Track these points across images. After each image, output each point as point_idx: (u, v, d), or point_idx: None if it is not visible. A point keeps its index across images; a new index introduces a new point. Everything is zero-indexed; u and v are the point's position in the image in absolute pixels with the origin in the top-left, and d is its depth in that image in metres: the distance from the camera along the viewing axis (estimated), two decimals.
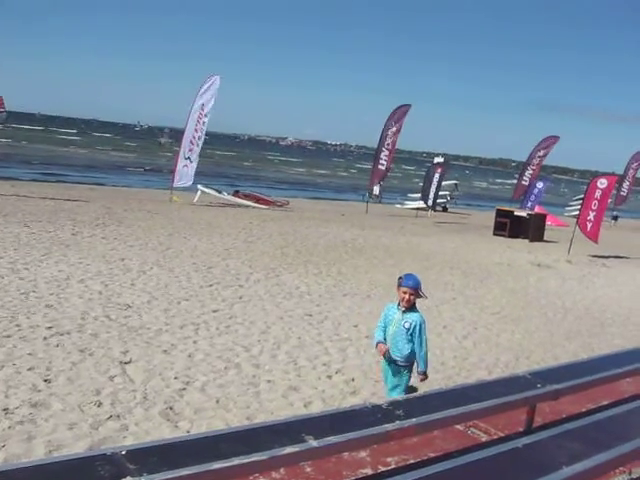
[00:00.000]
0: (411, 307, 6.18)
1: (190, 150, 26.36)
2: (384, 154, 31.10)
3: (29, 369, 6.96)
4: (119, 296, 10.25)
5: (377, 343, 6.26)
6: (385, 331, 6.25)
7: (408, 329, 6.11)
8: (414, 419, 3.02)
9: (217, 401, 6.65)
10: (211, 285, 11.58)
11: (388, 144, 31.07)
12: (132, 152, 74.20)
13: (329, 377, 7.71)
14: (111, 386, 6.74)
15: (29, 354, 7.38)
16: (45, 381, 6.69)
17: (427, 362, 6.25)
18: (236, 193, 29.74)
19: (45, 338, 7.95)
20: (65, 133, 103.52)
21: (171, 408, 6.37)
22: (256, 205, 28.21)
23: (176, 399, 6.58)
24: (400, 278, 6.21)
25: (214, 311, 9.92)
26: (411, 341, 6.13)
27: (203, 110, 26.41)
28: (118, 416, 6.09)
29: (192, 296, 10.70)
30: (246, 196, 29.59)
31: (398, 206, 37.82)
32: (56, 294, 9.99)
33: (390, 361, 6.25)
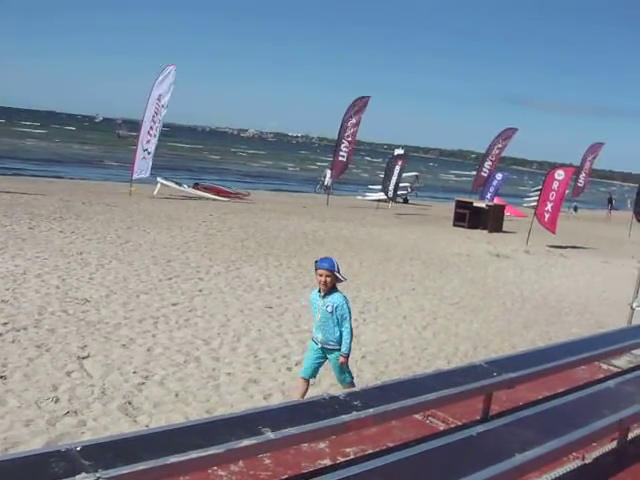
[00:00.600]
0: (331, 290, 6.12)
1: (148, 142, 26.07)
2: (344, 146, 31.10)
3: None
4: (77, 290, 10.12)
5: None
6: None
7: (332, 312, 6.07)
8: (371, 409, 3.03)
9: (176, 395, 6.62)
10: (170, 278, 11.50)
11: (348, 136, 31.08)
12: (92, 144, 73.23)
13: (289, 369, 7.72)
14: (68, 382, 6.67)
15: None
16: (0, 377, 6.59)
17: (350, 343, 6.15)
18: (196, 185, 29.50)
19: (0, 334, 7.82)
20: (27, 126, 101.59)
21: (130, 403, 6.32)
22: (217, 197, 28.02)
23: (135, 394, 6.54)
24: (316, 262, 6.19)
25: (173, 304, 9.85)
26: (339, 323, 6.11)
27: (160, 101, 26.09)
28: (76, 412, 6.04)
29: (151, 289, 10.61)
30: (206, 188, 29.37)
31: (359, 198, 37.88)
32: (12, 289, 9.83)
33: (326, 348, 6.21)
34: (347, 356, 6.17)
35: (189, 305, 9.95)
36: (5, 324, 8.20)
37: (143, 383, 6.81)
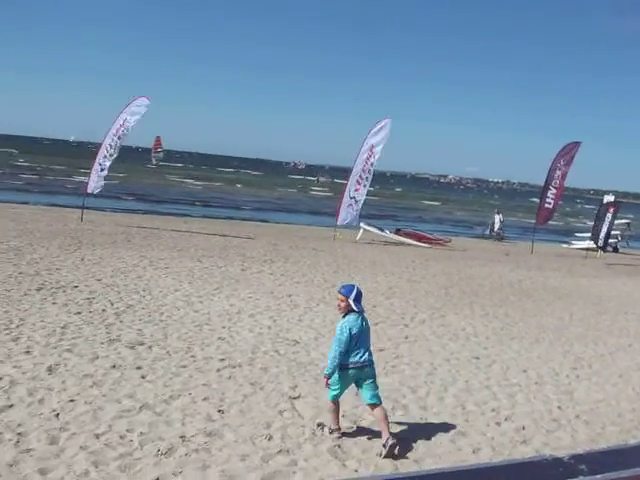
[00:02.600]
0: (346, 314, 6.43)
1: (356, 190, 26.60)
2: (551, 192, 30.03)
3: (204, 399, 7.24)
4: (287, 331, 10.48)
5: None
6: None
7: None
8: (599, 476, 2.82)
9: None
10: (376, 324, 11.56)
11: (556, 182, 29.99)
12: (291, 187, 76.54)
13: (498, 424, 7.43)
14: (281, 420, 6.86)
15: (204, 385, 7.69)
16: (219, 412, 6.93)
17: (331, 363, 6.35)
18: (398, 231, 29.77)
19: (218, 370, 8.25)
20: (224, 172, 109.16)
21: (339, 446, 6.36)
22: (418, 244, 28.07)
23: (344, 437, 6.58)
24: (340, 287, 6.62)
25: (380, 350, 9.88)
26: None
27: (372, 151, 26.62)
28: (287, 451, 6.18)
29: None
30: (408, 234, 29.53)
31: (564, 246, 36.37)
32: (228, 327, 10.38)
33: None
34: (326, 375, 6.45)
35: (395, 351, 9.94)
36: (222, 360, 8.65)
37: (352, 427, 6.84)
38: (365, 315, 6.57)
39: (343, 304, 6.44)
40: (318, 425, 6.77)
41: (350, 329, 6.33)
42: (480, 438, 6.95)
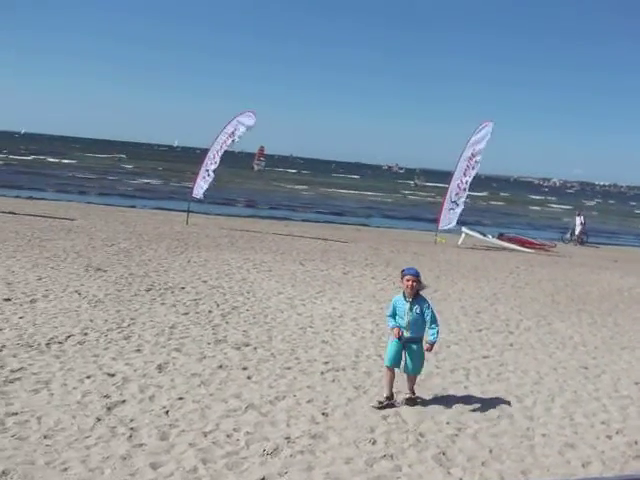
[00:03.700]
0: (416, 295, 7.29)
1: (457, 194, 26.36)
2: None
3: (308, 401, 7.32)
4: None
5: (393, 327, 7.31)
6: (395, 319, 7.38)
7: (420, 314, 7.27)
8: None
9: (490, 451, 6.46)
10: (480, 330, 11.39)
11: None
12: (384, 192, 76.39)
13: (609, 437, 7.16)
14: (385, 425, 6.86)
15: (308, 387, 7.78)
16: (323, 414, 6.99)
17: (437, 334, 7.37)
18: (501, 236, 29.18)
19: (322, 373, 8.33)
20: (324, 175, 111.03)
21: (444, 453, 6.30)
22: (522, 249, 27.44)
23: (448, 444, 6.51)
24: (403, 270, 7.46)
25: (484, 357, 9.73)
26: (425, 321, 7.34)
27: (474, 156, 26.29)
28: (391, 456, 6.17)
29: (461, 340, 10.60)
30: (511, 239, 28.92)
31: None
32: (331, 330, 10.46)
33: (407, 341, 7.32)
34: (433, 343, 7.33)
35: (500, 359, 9.75)
36: (326, 363, 8.73)
37: (456, 435, 6.76)
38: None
39: (415, 284, 7.25)
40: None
41: None
42: (590, 451, 6.73)
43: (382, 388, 7.68)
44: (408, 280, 7.23)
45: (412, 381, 7.59)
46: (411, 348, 7.36)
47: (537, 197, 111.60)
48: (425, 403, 7.56)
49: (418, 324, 7.32)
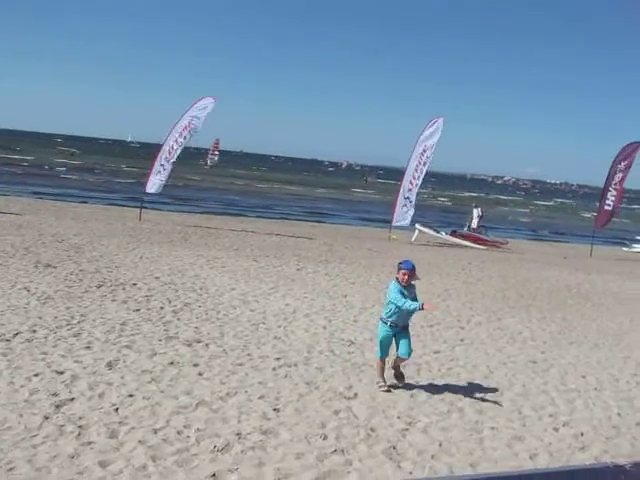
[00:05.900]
0: (408, 285, 7.92)
1: (409, 190, 26.61)
2: (611, 194, 29.40)
3: (259, 397, 7.31)
4: (342, 332, 10.50)
5: (422, 304, 7.66)
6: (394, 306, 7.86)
7: (413, 299, 7.85)
8: None
9: (440, 444, 6.53)
10: (432, 325, 11.51)
11: (616, 183, 29.35)
12: (334, 188, 76.75)
13: (556, 429, 7.31)
14: (336, 420, 6.88)
15: (259, 383, 7.77)
16: (274, 410, 6.98)
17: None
18: (454, 233, 29.48)
19: (274, 369, 8.32)
20: (273, 172, 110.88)
21: (394, 448, 6.35)
22: (474, 245, 27.78)
23: (399, 439, 6.56)
24: (400, 263, 8.04)
25: (435, 352, 9.83)
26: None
27: (425, 151, 26.56)
28: (342, 451, 6.19)
29: (413, 336, 10.67)
30: (464, 236, 29.23)
31: (625, 249, 35.44)
32: (283, 327, 10.46)
33: (401, 327, 7.97)
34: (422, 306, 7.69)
35: (450, 354, 9.86)
36: (278, 359, 8.72)
37: (407, 429, 6.82)
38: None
39: (409, 277, 7.85)
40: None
41: None
42: (537, 443, 6.85)
43: (376, 375, 8.13)
44: (405, 274, 7.83)
45: (403, 361, 8.17)
46: (403, 333, 7.99)
47: (491, 195, 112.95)
48: (375, 398, 7.60)
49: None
